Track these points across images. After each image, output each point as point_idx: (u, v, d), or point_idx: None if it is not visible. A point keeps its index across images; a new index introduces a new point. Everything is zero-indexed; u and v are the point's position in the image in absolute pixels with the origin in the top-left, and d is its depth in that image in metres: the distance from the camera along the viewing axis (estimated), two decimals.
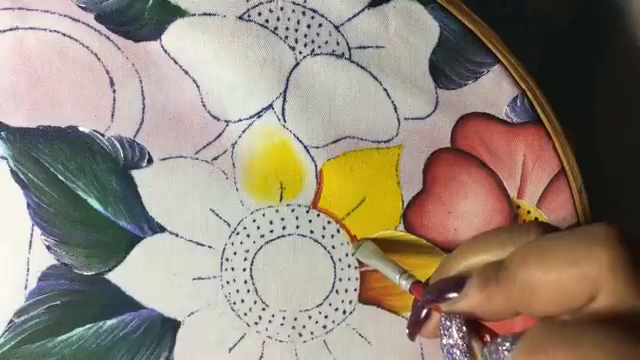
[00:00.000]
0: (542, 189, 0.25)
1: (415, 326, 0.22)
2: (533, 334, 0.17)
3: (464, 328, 0.19)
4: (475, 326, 0.20)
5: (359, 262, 0.25)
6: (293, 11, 0.24)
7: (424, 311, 0.22)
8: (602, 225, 0.18)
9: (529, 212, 0.25)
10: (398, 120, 0.25)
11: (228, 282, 0.25)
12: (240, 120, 0.24)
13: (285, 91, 0.24)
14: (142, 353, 0.24)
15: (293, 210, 0.25)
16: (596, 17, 0.33)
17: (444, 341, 0.19)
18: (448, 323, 0.19)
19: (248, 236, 0.25)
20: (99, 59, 0.23)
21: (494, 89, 0.25)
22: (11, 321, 0.23)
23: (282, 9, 0.23)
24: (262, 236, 0.25)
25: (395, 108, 0.25)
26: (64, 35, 0.23)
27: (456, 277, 0.20)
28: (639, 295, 0.17)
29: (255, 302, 0.25)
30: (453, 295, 0.20)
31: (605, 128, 0.33)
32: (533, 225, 0.20)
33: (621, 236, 0.17)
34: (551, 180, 0.25)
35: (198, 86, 0.24)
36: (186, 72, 0.24)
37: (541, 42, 0.33)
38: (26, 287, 0.23)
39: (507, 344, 0.18)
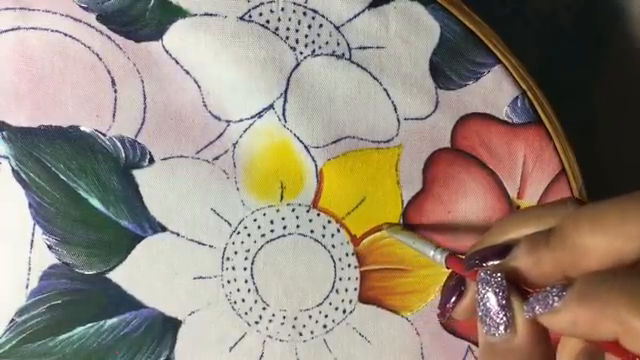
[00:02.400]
0: (542, 189, 0.25)
1: (448, 305, 0.21)
2: (585, 281, 0.17)
3: (504, 282, 0.19)
4: (514, 286, 0.20)
5: (358, 260, 0.25)
6: (294, 11, 0.24)
7: (457, 291, 0.21)
8: None
9: None
10: (398, 120, 0.25)
11: (229, 281, 0.25)
12: (241, 120, 0.24)
13: (286, 91, 0.24)
14: (143, 352, 0.24)
15: (293, 210, 0.25)
16: (596, 17, 0.33)
17: (481, 295, 0.19)
18: (488, 277, 0.19)
19: (249, 235, 0.25)
20: (100, 59, 0.23)
21: (494, 89, 0.25)
22: (12, 320, 0.23)
23: (283, 9, 0.23)
24: (263, 235, 0.25)
25: (395, 108, 0.25)
26: (66, 35, 0.23)
27: (500, 244, 0.20)
28: None
29: (256, 301, 0.25)
30: (495, 262, 0.19)
31: (605, 128, 0.33)
32: (570, 199, 0.20)
33: None
34: (551, 181, 0.25)
35: (199, 86, 0.24)
36: (187, 72, 0.24)
37: (541, 42, 0.32)
38: (27, 286, 0.23)
39: (556, 291, 0.18)
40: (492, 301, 0.19)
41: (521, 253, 0.19)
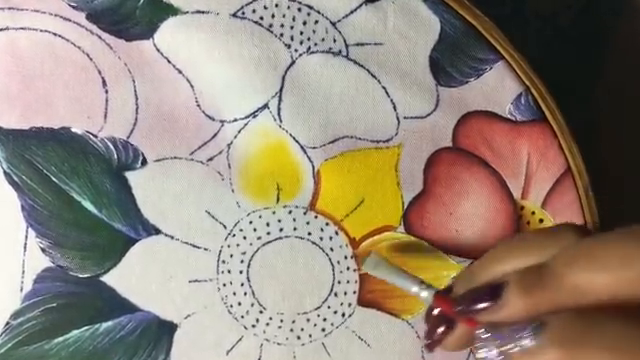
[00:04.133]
0: (547, 189, 0.23)
1: (436, 338, 0.19)
2: (563, 324, 0.16)
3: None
4: None
5: (357, 263, 0.23)
6: (288, 8, 0.22)
7: (444, 324, 0.19)
8: None
9: (533, 213, 0.23)
10: (397, 119, 0.23)
11: (225, 284, 0.23)
12: (235, 120, 0.22)
13: (281, 90, 0.22)
14: (139, 356, 0.23)
15: (290, 212, 0.23)
16: (596, 17, 0.31)
17: (481, 355, 0.17)
18: (488, 336, 0.17)
19: (244, 238, 0.23)
20: (91, 59, 0.21)
21: (497, 86, 0.23)
22: (7, 323, 0.22)
23: (277, 6, 0.22)
24: (259, 238, 0.23)
25: (394, 107, 0.23)
26: (55, 35, 0.21)
27: (489, 285, 0.18)
28: None
29: (252, 305, 0.23)
30: (486, 305, 0.17)
31: (605, 128, 0.31)
32: (570, 227, 0.18)
33: None
34: (557, 180, 0.23)
35: (192, 86, 0.22)
36: (180, 71, 0.22)
37: (541, 42, 0.31)
38: (22, 289, 0.22)
39: (528, 331, 0.16)
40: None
41: (513, 296, 0.17)
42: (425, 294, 0.20)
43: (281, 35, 0.22)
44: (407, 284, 0.20)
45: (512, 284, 0.17)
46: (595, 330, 0.15)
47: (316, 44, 0.22)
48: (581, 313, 0.16)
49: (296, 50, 0.22)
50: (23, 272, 0.22)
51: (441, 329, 0.19)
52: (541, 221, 0.23)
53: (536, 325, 0.16)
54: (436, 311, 0.19)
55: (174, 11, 0.21)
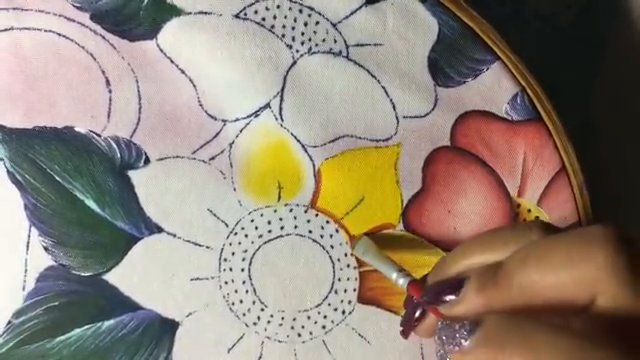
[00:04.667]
0: (543, 187, 0.24)
1: (409, 325, 0.21)
2: (493, 326, 0.16)
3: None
4: None
5: (357, 260, 0.24)
6: (290, 9, 0.22)
7: (418, 311, 0.20)
8: (600, 226, 0.17)
9: (529, 210, 0.24)
10: (397, 118, 0.24)
11: (226, 282, 0.24)
12: (237, 119, 0.23)
13: (282, 90, 0.23)
14: (141, 354, 0.23)
15: (291, 210, 0.24)
16: (596, 17, 0.32)
17: (443, 347, 0.18)
18: (449, 330, 0.18)
19: (246, 236, 0.24)
20: (95, 59, 0.22)
21: (494, 86, 0.24)
22: (9, 322, 0.23)
23: (279, 7, 0.22)
24: (260, 236, 0.24)
25: (393, 106, 0.23)
26: (59, 35, 0.22)
27: (454, 279, 0.19)
28: (638, 297, 0.16)
29: (254, 302, 0.24)
30: (450, 297, 0.19)
31: (605, 128, 0.32)
32: (536, 225, 0.19)
33: (619, 237, 0.16)
34: (552, 178, 0.24)
35: (195, 85, 0.23)
36: (182, 71, 0.23)
37: (541, 42, 0.32)
38: (24, 288, 0.23)
39: (464, 331, 0.17)
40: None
41: (470, 293, 0.18)
42: (402, 281, 0.21)
43: (282, 36, 0.23)
44: (388, 270, 0.22)
45: (471, 280, 0.18)
46: (521, 334, 0.15)
47: (317, 45, 0.23)
48: (513, 316, 0.16)
49: (297, 50, 0.23)
50: (25, 271, 0.23)
51: (415, 316, 0.20)
52: (537, 219, 0.24)
53: (472, 324, 0.17)
54: (414, 300, 0.21)
55: (177, 12, 0.22)
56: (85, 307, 0.23)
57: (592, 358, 0.15)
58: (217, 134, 0.23)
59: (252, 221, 0.24)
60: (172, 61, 0.22)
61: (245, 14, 0.22)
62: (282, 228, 0.24)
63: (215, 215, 0.23)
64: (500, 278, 0.18)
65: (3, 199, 0.22)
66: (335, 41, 0.23)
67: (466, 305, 0.18)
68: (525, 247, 0.18)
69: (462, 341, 0.17)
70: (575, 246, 0.17)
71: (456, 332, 0.17)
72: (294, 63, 0.23)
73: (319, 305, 0.24)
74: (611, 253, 0.16)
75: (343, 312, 0.24)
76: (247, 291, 0.24)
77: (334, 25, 0.23)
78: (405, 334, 0.21)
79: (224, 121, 0.23)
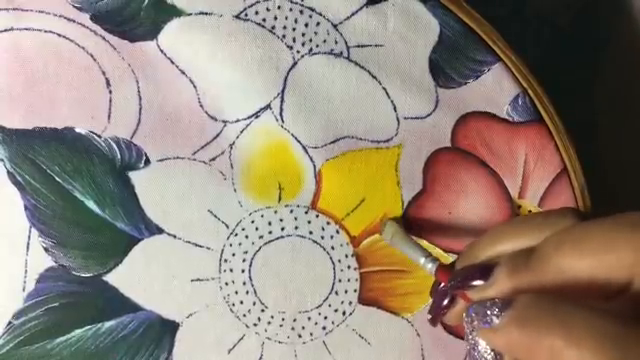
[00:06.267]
0: (544, 188, 0.24)
1: (437, 312, 0.21)
2: (526, 303, 0.16)
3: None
4: None
5: (358, 261, 0.24)
6: (290, 10, 0.22)
7: (448, 297, 0.20)
8: (635, 212, 0.17)
9: (530, 212, 0.24)
10: (397, 119, 0.24)
11: (227, 283, 0.24)
12: (238, 120, 0.23)
13: (283, 91, 0.23)
14: (141, 355, 0.23)
15: (292, 211, 0.24)
16: (596, 17, 0.32)
17: (472, 325, 0.18)
18: (479, 308, 0.18)
19: (246, 237, 0.24)
20: (95, 60, 0.22)
21: (495, 88, 0.24)
22: (10, 323, 0.23)
23: (279, 8, 0.22)
24: (261, 237, 0.24)
25: (394, 107, 0.23)
26: (59, 36, 0.22)
27: (482, 264, 0.19)
28: None
29: (254, 303, 0.24)
30: (479, 282, 0.19)
31: (605, 128, 0.32)
32: (569, 211, 0.19)
33: None
34: (553, 179, 0.24)
35: (195, 86, 0.23)
36: (183, 72, 0.22)
37: (541, 42, 0.32)
38: (24, 289, 0.23)
39: (496, 309, 0.17)
40: (481, 346, 0.18)
41: (502, 277, 0.18)
42: (430, 266, 0.21)
43: (283, 37, 0.23)
44: (416, 254, 0.22)
45: (502, 264, 0.18)
46: (556, 313, 0.15)
47: (318, 45, 0.23)
48: (547, 296, 0.16)
49: (298, 51, 0.23)
50: (26, 272, 0.23)
51: (444, 303, 0.20)
52: None
53: (504, 303, 0.17)
54: (442, 288, 0.20)
55: (178, 12, 0.22)
56: (85, 308, 0.23)
57: (629, 340, 0.15)
58: (218, 135, 0.23)
59: (252, 222, 0.24)
60: (172, 62, 0.22)
61: (246, 15, 0.22)
62: (283, 229, 0.24)
63: (215, 216, 0.23)
64: (534, 262, 0.17)
65: (3, 200, 0.22)
66: (336, 42, 0.23)
67: (497, 289, 0.18)
68: (560, 232, 0.18)
69: (493, 318, 0.16)
70: (612, 230, 0.17)
71: (487, 309, 0.17)
72: (295, 64, 0.23)
73: (320, 306, 0.24)
74: None
75: (344, 313, 0.24)
76: (247, 292, 0.24)
77: (335, 26, 0.23)
78: (434, 321, 0.21)
79: (224, 122, 0.23)
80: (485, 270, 0.19)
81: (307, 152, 0.23)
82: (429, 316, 0.21)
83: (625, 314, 0.16)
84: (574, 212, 0.19)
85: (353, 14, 0.23)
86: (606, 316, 0.15)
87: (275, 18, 0.22)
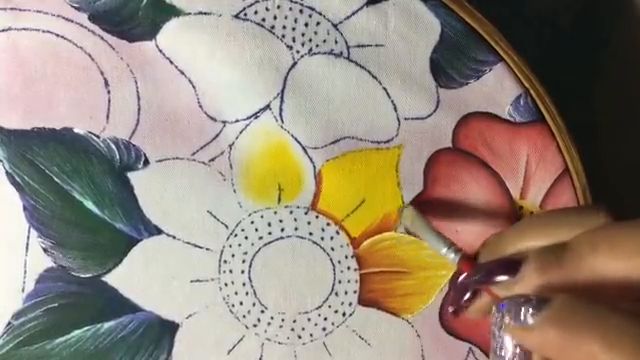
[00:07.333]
0: (545, 189, 0.24)
1: (459, 305, 0.20)
2: (564, 304, 0.16)
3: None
4: None
5: (358, 262, 0.24)
6: (290, 9, 0.22)
7: (469, 291, 0.19)
8: None
9: (532, 213, 0.24)
10: (398, 120, 0.23)
11: (226, 284, 0.23)
12: (237, 121, 0.23)
13: (282, 91, 0.22)
14: (140, 355, 0.23)
15: (291, 212, 0.23)
16: (596, 17, 0.31)
17: (501, 324, 0.17)
18: (512, 305, 0.17)
19: (246, 238, 0.23)
20: (93, 59, 0.22)
21: (497, 88, 0.23)
22: (9, 323, 0.22)
23: (279, 7, 0.22)
24: (260, 238, 0.23)
25: (395, 108, 0.23)
26: (57, 36, 0.21)
27: (509, 259, 0.18)
28: None
29: (254, 304, 0.23)
30: (504, 278, 0.18)
31: (605, 128, 0.32)
32: (603, 208, 0.18)
33: None
34: (555, 180, 0.24)
35: (194, 86, 0.22)
36: (182, 72, 0.22)
37: (541, 42, 0.31)
38: (24, 290, 0.22)
39: (530, 308, 0.16)
40: (508, 344, 0.17)
41: (529, 273, 0.17)
42: (452, 256, 0.20)
43: (283, 36, 0.22)
44: (439, 244, 0.21)
45: (531, 260, 0.17)
46: (593, 317, 0.15)
47: (317, 45, 0.22)
48: (584, 298, 0.16)
49: (298, 51, 0.22)
50: (25, 272, 0.22)
51: (466, 297, 0.19)
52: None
53: (539, 301, 0.16)
54: (461, 278, 0.20)
55: (177, 12, 0.22)
56: (85, 309, 0.23)
57: None
58: (217, 135, 0.23)
59: (252, 223, 0.23)
60: (171, 62, 0.22)
61: (245, 14, 0.22)
62: (282, 230, 0.23)
63: (215, 217, 0.23)
64: (567, 260, 0.17)
65: (2, 200, 0.22)
66: (336, 42, 0.22)
67: (525, 286, 0.17)
68: (594, 231, 0.17)
69: (528, 317, 0.16)
70: None
71: (521, 306, 0.16)
72: (294, 64, 0.22)
73: (319, 307, 0.24)
74: None
75: (343, 314, 0.24)
76: (247, 293, 0.23)
77: (335, 26, 0.22)
78: (456, 314, 0.20)
79: (224, 122, 0.23)
80: (512, 265, 0.18)
81: (307, 153, 0.23)
82: (451, 309, 0.20)
83: None
84: (607, 210, 0.18)
85: (353, 14, 0.22)
86: None
87: (275, 18, 0.22)
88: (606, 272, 0.16)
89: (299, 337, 0.24)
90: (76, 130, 0.22)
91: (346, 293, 0.24)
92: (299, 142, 0.23)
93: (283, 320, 0.24)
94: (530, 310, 0.16)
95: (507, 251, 0.19)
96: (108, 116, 0.22)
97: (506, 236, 0.20)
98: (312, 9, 0.22)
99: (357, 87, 0.23)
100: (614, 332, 0.15)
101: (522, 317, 0.16)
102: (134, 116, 0.22)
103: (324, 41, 0.22)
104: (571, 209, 0.21)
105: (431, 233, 0.21)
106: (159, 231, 0.23)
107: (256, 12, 0.22)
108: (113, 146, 0.22)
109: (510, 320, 0.16)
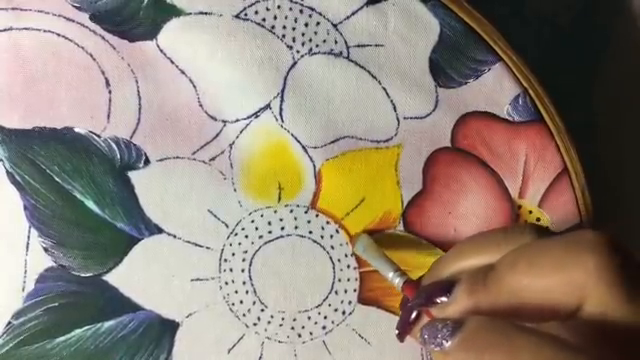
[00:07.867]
0: (544, 189, 0.24)
1: (405, 327, 0.21)
2: (475, 328, 0.16)
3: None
4: None
5: (358, 261, 0.24)
6: (290, 9, 0.22)
7: (414, 313, 0.20)
8: (590, 231, 0.17)
9: (530, 212, 0.24)
10: (397, 119, 0.23)
11: (227, 283, 0.23)
12: (237, 120, 0.23)
13: (283, 91, 0.23)
14: (141, 354, 0.23)
15: (292, 211, 0.23)
16: (596, 17, 0.31)
17: (425, 347, 0.18)
18: (432, 329, 0.17)
19: (246, 237, 0.23)
20: (94, 59, 0.22)
21: (495, 87, 0.23)
22: (9, 323, 0.22)
23: (279, 7, 0.22)
24: (260, 237, 0.23)
25: (394, 107, 0.23)
26: (59, 35, 0.22)
27: (445, 281, 0.19)
28: (627, 303, 0.16)
29: (254, 303, 0.24)
30: (442, 299, 0.18)
31: (605, 128, 0.32)
32: (528, 227, 0.19)
33: (610, 243, 0.16)
34: (554, 180, 0.24)
35: (195, 86, 0.22)
36: (182, 72, 0.22)
37: (541, 42, 0.31)
38: (24, 289, 0.22)
39: (447, 332, 0.16)
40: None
41: (461, 294, 0.18)
42: (397, 281, 0.21)
43: (283, 36, 0.22)
44: (385, 269, 0.22)
45: (462, 282, 0.18)
46: (501, 338, 0.15)
47: (317, 45, 0.22)
48: (496, 320, 0.16)
49: (298, 51, 0.22)
50: (25, 272, 0.22)
51: (410, 319, 0.20)
52: (538, 220, 0.24)
53: (454, 325, 0.16)
54: (409, 304, 0.20)
55: (177, 12, 0.22)
56: (85, 308, 0.23)
57: None
58: (217, 135, 0.23)
59: (252, 222, 0.23)
60: (172, 61, 0.22)
61: (245, 14, 0.22)
62: (282, 229, 0.23)
63: (215, 216, 0.23)
64: (490, 281, 0.17)
65: (2, 200, 0.22)
66: (336, 42, 0.23)
67: (457, 307, 0.18)
68: (516, 250, 0.17)
69: (444, 341, 0.16)
70: (565, 250, 0.16)
71: (438, 332, 0.17)
72: (294, 64, 0.23)
73: (319, 306, 0.24)
74: (601, 258, 0.16)
75: (343, 313, 0.24)
76: (247, 292, 0.24)
77: (335, 26, 0.23)
78: (401, 337, 0.21)
79: (224, 122, 0.23)
80: (447, 287, 0.18)
81: (307, 152, 0.23)
82: (396, 331, 0.21)
83: (574, 339, 0.15)
84: (533, 228, 0.19)
85: (353, 14, 0.22)
86: (554, 343, 0.15)
87: (275, 18, 0.22)
88: (525, 292, 0.16)
89: (299, 336, 0.24)
90: (77, 129, 0.22)
91: (346, 292, 0.24)
92: (299, 141, 0.23)
93: (283, 319, 0.24)
94: (446, 333, 0.16)
95: (445, 273, 0.19)
96: (109, 115, 0.22)
97: (443, 259, 0.20)
98: (312, 9, 0.22)
99: (357, 87, 0.23)
100: (521, 353, 0.15)
101: (439, 341, 0.16)
102: (135, 115, 0.22)
103: (324, 41, 0.22)
104: (500, 229, 0.22)
105: (379, 259, 0.22)
106: (159, 230, 0.23)
107: (256, 12, 0.22)
108: (114, 145, 0.22)
109: (429, 344, 0.17)
